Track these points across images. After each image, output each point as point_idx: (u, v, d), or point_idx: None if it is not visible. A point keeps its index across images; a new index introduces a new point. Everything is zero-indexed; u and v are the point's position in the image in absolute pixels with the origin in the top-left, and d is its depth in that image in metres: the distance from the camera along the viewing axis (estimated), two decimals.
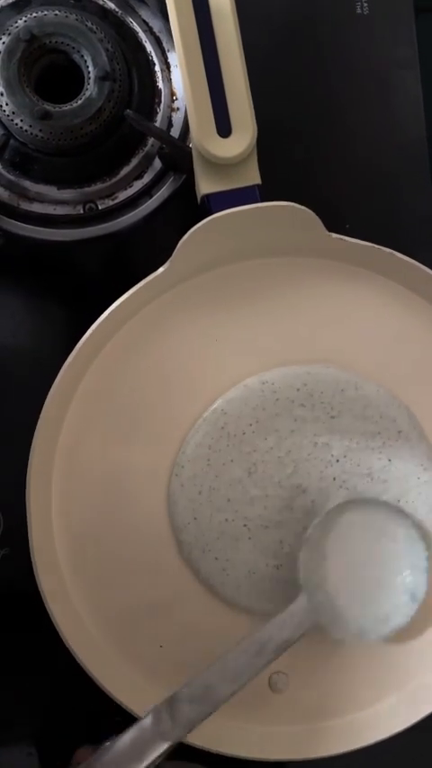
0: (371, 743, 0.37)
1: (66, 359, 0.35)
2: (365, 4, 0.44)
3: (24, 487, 0.35)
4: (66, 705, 0.37)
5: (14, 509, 0.38)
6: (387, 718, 0.38)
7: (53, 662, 0.36)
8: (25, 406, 0.36)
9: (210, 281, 0.38)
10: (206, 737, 0.36)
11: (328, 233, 0.36)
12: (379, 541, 0.36)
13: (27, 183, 0.40)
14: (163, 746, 0.29)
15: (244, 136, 0.35)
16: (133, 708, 0.35)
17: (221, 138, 0.35)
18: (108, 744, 0.29)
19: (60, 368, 0.35)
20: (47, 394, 0.35)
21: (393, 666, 0.39)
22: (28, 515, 0.35)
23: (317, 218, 0.36)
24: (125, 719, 0.34)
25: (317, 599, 0.34)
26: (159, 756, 0.29)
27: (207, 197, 0.36)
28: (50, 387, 0.35)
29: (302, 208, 0.35)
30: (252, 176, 0.36)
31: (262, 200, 0.36)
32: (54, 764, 0.39)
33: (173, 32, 0.35)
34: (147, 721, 0.30)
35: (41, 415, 0.35)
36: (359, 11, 0.44)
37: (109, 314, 0.35)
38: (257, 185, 0.36)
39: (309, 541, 0.36)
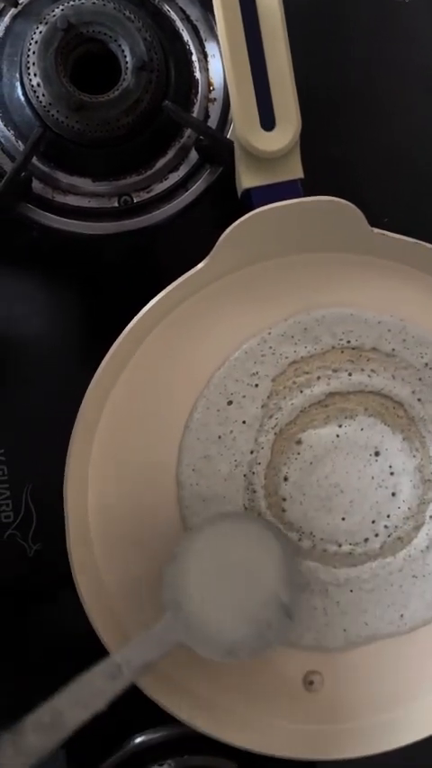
0: (406, 743, 0.37)
1: (100, 354, 0.35)
2: None
3: (56, 482, 0.34)
4: None
5: (48, 505, 0.38)
6: (422, 719, 0.37)
7: (84, 661, 0.36)
8: (58, 400, 0.35)
9: (250, 276, 0.37)
10: (239, 734, 0.36)
11: (370, 228, 0.35)
12: (247, 559, 0.35)
13: (61, 175, 0.40)
14: None
15: (288, 129, 0.34)
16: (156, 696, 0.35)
17: (265, 132, 0.34)
18: None
19: (92, 363, 0.35)
20: (77, 389, 0.34)
21: (429, 666, 0.38)
22: (66, 514, 0.34)
23: (360, 213, 0.35)
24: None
25: (182, 617, 0.32)
26: None
27: (249, 191, 0.35)
28: (83, 384, 0.34)
29: (346, 203, 0.34)
30: (295, 170, 0.35)
31: (303, 194, 0.35)
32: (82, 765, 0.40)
33: (217, 24, 0.34)
34: None
35: (78, 416, 0.34)
36: None
37: (150, 308, 0.35)
38: (300, 179, 0.35)
39: (173, 559, 0.34)
